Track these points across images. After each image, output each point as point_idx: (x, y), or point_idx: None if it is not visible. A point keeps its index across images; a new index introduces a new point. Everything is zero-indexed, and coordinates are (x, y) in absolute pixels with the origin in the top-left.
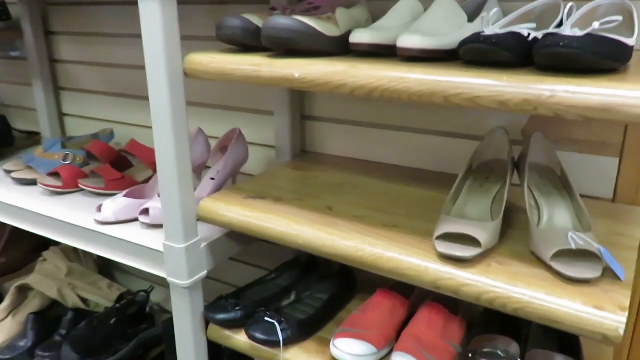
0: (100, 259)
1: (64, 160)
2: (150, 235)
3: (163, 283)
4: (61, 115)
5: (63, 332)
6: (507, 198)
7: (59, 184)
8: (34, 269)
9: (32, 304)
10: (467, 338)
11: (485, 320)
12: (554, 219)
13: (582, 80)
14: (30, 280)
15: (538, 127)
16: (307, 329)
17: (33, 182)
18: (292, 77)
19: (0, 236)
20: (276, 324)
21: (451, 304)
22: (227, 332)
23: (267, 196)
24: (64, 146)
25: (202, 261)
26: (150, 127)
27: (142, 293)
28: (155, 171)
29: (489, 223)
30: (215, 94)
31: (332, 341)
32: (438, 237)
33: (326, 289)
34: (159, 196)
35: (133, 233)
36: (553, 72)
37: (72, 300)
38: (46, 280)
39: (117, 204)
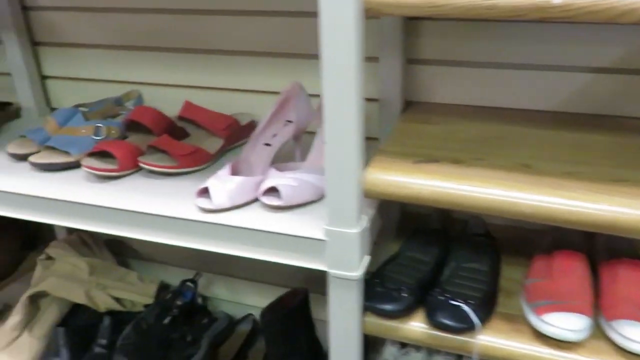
0: (112, 246)
1: (96, 134)
2: (284, 220)
3: (193, 266)
4: (41, 78)
5: (103, 341)
6: None
7: (113, 166)
8: (28, 270)
9: (49, 314)
10: None
11: None
12: None
13: None
14: (47, 286)
15: None
16: (489, 307)
17: (63, 167)
18: (546, 4)
19: None
20: (464, 306)
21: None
22: (390, 324)
23: (437, 159)
24: (86, 118)
25: (366, 245)
26: (170, 85)
27: (188, 283)
28: (227, 140)
29: None
30: (276, 39)
31: (537, 318)
32: None
33: (479, 257)
34: (278, 170)
35: (262, 220)
36: None
37: (104, 303)
38: (68, 284)
39: (230, 185)
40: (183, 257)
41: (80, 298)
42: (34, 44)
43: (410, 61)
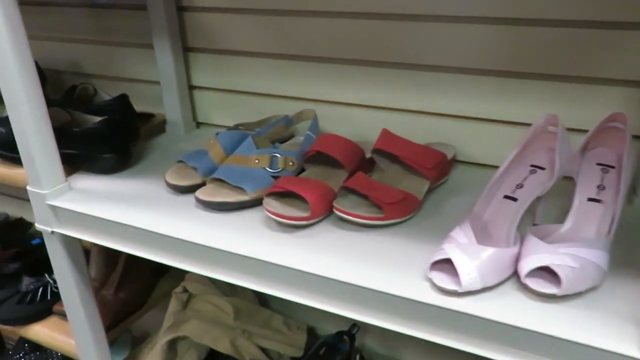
0: None
1: (270, 167)
2: (563, 316)
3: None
4: (190, 88)
5: None
6: None
7: (303, 212)
8: (159, 300)
9: None
10: None
11: None
12: None
13: None
14: (190, 331)
15: None
16: None
17: (237, 207)
18: None
19: (109, 264)
20: None
21: None
22: None
23: None
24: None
25: None
26: (341, 104)
27: (345, 336)
28: (433, 181)
29: None
30: (514, 55)
31: None
32: None
33: None
34: (536, 236)
35: (532, 313)
36: None
37: (249, 354)
38: (212, 330)
39: (480, 259)
40: None
41: (225, 347)
42: (184, 49)
43: None
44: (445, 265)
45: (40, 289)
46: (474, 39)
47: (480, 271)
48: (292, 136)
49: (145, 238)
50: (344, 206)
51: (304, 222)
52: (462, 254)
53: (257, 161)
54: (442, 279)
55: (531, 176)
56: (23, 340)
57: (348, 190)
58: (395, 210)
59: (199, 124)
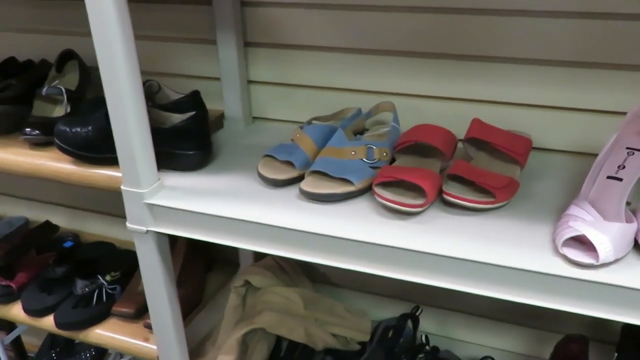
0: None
1: (367, 158)
2: None
3: (389, 293)
4: (247, 83)
5: None
6: None
7: (416, 199)
8: (211, 296)
9: (258, 352)
10: None
11: None
12: None
13: None
14: (265, 323)
15: None
16: None
17: (344, 198)
18: None
19: None
20: None
21: None
22: None
23: None
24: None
25: None
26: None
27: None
28: (522, 167)
29: None
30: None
31: None
32: None
33: None
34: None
35: None
36: None
37: (322, 341)
38: (286, 320)
39: (611, 234)
40: (383, 285)
41: (300, 336)
42: (245, 43)
43: None
44: (570, 241)
45: (96, 292)
46: (549, 33)
47: (614, 245)
48: (365, 128)
49: (254, 231)
50: (455, 192)
51: (419, 209)
52: (594, 230)
53: (353, 153)
54: (576, 254)
55: (630, 158)
56: (48, 347)
57: (450, 177)
58: (503, 194)
59: (254, 119)
